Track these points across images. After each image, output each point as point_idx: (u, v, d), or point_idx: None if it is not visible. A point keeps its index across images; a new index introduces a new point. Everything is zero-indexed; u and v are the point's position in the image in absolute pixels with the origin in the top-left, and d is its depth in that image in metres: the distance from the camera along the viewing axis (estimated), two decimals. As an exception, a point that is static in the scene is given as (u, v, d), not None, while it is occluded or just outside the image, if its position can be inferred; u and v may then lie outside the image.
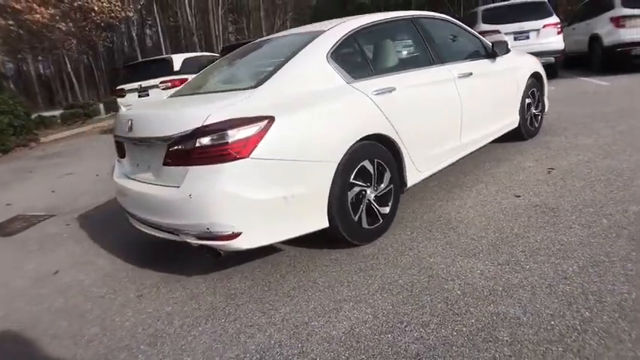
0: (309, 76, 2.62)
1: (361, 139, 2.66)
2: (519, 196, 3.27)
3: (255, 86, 2.49)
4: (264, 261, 2.85)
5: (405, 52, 3.43)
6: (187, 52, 17.36)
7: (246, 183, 2.24)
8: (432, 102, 3.20)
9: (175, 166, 2.35)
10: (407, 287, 2.32)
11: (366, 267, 2.58)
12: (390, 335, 1.97)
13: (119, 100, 9.74)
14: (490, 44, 4.00)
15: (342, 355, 1.89)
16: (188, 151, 2.26)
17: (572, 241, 2.52)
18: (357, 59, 2.94)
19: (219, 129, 2.21)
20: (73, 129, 14.44)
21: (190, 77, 10.31)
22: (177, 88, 3.43)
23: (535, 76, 4.57)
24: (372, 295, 2.30)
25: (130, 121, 2.63)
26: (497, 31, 9.07)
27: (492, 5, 10.36)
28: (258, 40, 3.63)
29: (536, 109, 4.67)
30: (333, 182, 2.52)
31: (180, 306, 2.48)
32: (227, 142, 2.20)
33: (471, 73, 3.56)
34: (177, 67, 9.45)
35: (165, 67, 9.35)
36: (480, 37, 4.11)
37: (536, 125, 4.73)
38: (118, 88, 9.98)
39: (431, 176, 3.43)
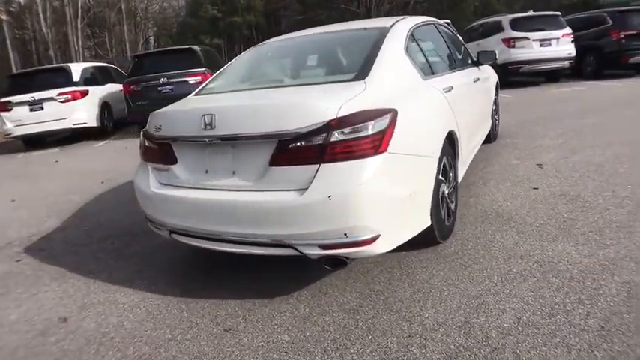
0: (399, 70, 2.53)
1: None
2: (537, 189, 3.61)
3: (358, 78, 2.30)
4: (349, 273, 2.60)
5: (441, 54, 3.54)
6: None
7: (385, 180, 2.04)
8: (469, 102, 3.38)
9: (292, 166, 2.01)
10: (526, 274, 2.35)
11: (467, 262, 2.55)
12: (559, 317, 1.97)
13: (3, 114, 7.93)
14: (473, 54, 4.38)
15: (532, 342, 1.82)
16: (320, 146, 1.96)
17: (621, 220, 2.87)
18: (419, 57, 2.94)
19: (357, 121, 1.97)
20: None
21: (93, 88, 9.16)
22: (209, 83, 2.93)
23: (496, 85, 5.15)
24: (503, 285, 2.28)
25: (209, 117, 2.15)
26: (527, 38, 10.28)
27: (519, 15, 11.41)
28: (299, 34, 3.34)
29: (495, 114, 5.25)
30: (435, 178, 2.45)
31: (296, 331, 2.09)
32: (367, 135, 1.98)
33: (478, 79, 3.85)
34: (76, 77, 8.16)
35: (63, 78, 8.03)
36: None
37: (497, 130, 5.30)
38: (2, 100, 8.13)
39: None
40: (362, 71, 2.35)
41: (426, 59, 3.02)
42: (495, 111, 5.19)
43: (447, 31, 3.84)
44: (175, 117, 2.43)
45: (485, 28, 11.61)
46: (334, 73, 2.58)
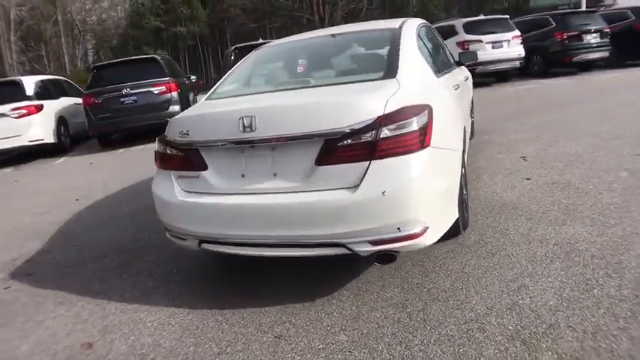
0: (419, 69, 2.60)
1: (459, 130, 2.76)
2: (529, 179, 3.83)
3: (388, 77, 2.35)
4: (378, 268, 2.62)
5: (439, 54, 3.66)
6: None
7: (431, 173, 2.09)
8: (465, 99, 3.54)
9: (341, 164, 2.01)
10: (551, 255, 2.50)
11: (492, 250, 2.66)
12: (595, 291, 2.11)
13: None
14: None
15: (581, 316, 1.93)
16: (369, 143, 1.98)
17: (616, 202, 3.12)
18: (427, 56, 3.04)
19: (403, 117, 2.01)
20: None
21: (48, 102, 8.54)
22: (220, 87, 2.84)
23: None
24: (534, 268, 2.40)
25: (249, 119, 2.09)
26: (480, 41, 10.77)
27: (472, 19, 11.97)
28: (304, 37, 3.30)
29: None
30: (460, 171, 2.55)
31: (351, 330, 2.07)
32: (414, 131, 2.03)
33: (467, 77, 4.04)
34: (29, 91, 7.64)
35: (15, 92, 7.47)
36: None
37: (474, 126, 5.56)
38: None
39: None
40: (389, 70, 2.40)
41: (432, 59, 3.13)
42: (472, 109, 5.45)
43: (436, 32, 4.00)
44: (206, 121, 2.35)
45: (440, 32, 12.17)
46: (359, 72, 2.61)
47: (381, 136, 1.97)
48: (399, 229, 2.01)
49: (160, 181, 2.50)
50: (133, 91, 8.22)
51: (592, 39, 11.16)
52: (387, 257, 2.12)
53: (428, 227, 2.09)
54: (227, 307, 2.43)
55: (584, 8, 16.34)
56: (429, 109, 2.16)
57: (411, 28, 2.94)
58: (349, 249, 2.06)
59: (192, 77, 12.32)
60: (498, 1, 42.33)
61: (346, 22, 20.18)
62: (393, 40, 2.71)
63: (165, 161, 2.46)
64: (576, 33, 11.06)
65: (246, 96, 2.63)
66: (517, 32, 11.21)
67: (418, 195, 2.02)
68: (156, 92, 8.37)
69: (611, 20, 11.70)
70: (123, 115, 8.19)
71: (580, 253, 2.49)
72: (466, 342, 1.89)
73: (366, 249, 2.05)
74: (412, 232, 2.04)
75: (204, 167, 2.28)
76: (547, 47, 11.53)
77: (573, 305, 2.04)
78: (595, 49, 11.17)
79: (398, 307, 2.20)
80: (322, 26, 17.68)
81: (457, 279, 2.39)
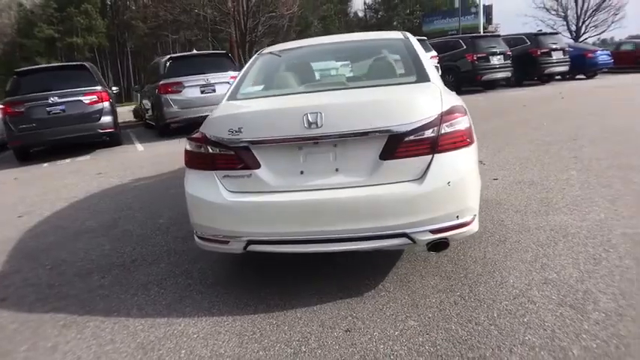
0: (437, 74, 2.82)
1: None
2: (497, 179, 4.29)
3: (422, 80, 2.54)
4: (411, 265, 2.77)
5: None
6: None
7: (476, 165, 2.31)
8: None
9: (406, 158, 2.13)
10: (553, 239, 2.86)
11: (500, 239, 2.95)
12: (605, 262, 2.49)
13: None
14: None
15: (605, 282, 2.27)
16: (432, 138, 2.13)
17: (580, 194, 3.66)
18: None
19: (455, 115, 2.21)
20: None
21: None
22: (241, 88, 2.76)
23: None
24: (544, 250, 2.73)
25: (314, 115, 2.10)
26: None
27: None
28: (311, 42, 3.32)
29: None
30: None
31: (417, 316, 2.17)
32: (467, 127, 2.25)
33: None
34: None
35: None
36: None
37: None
38: None
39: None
40: (420, 74, 2.60)
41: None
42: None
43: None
44: (263, 117, 2.29)
45: None
46: (390, 76, 2.75)
47: (442, 132, 2.14)
48: (457, 217, 2.18)
49: (198, 182, 2.37)
50: (61, 100, 7.41)
51: (497, 60, 12.75)
52: (441, 245, 2.26)
53: (475, 215, 2.29)
54: (273, 310, 2.37)
55: (481, 32, 18.51)
56: (464, 108, 2.39)
57: (413, 39, 3.19)
58: (411, 239, 2.16)
59: (115, 88, 11.52)
60: (394, 26, 46.19)
61: (267, 39, 20.39)
62: (409, 47, 2.93)
63: (205, 161, 2.34)
64: (484, 55, 12.54)
65: (288, 95, 2.62)
66: (434, 53, 12.24)
67: (473, 185, 2.23)
68: (87, 102, 7.67)
69: (510, 44, 13.49)
70: (49, 126, 7.33)
71: (575, 235, 2.89)
72: (525, 313, 2.11)
73: (427, 238, 2.18)
74: (466, 219, 2.22)
75: (257, 165, 2.24)
76: (459, 67, 12.84)
77: (593, 275, 2.38)
78: (500, 69, 12.77)
79: (448, 292, 2.36)
80: (243, 40, 17.62)
81: (485, 264, 2.63)
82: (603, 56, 15.61)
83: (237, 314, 2.37)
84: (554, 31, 21.77)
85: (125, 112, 15.15)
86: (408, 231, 2.15)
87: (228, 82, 9.60)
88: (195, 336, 2.21)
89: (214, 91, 9.34)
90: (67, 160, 7.84)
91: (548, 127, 6.79)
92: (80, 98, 7.60)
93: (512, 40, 13.97)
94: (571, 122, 7.06)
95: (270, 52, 3.28)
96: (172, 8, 18.35)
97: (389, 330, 2.09)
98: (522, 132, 6.41)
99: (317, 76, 3.04)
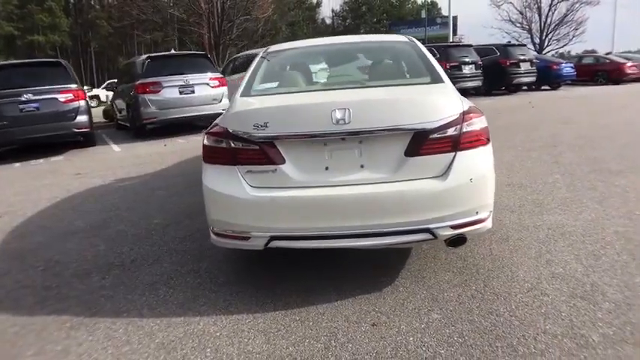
0: (446, 75, 2.92)
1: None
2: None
3: (436, 81, 2.61)
4: (424, 260, 2.83)
5: None
6: None
7: (493, 164, 2.39)
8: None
9: (430, 155, 2.19)
10: (552, 237, 3.00)
11: (503, 237, 3.07)
12: (604, 258, 2.64)
13: None
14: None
15: (610, 275, 2.41)
16: (455, 136, 2.20)
17: (568, 196, 3.85)
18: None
19: (474, 115, 2.29)
20: None
21: None
22: (254, 85, 2.74)
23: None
24: (546, 246, 2.86)
25: (342, 112, 2.13)
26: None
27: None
28: (318, 42, 3.33)
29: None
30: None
31: (439, 309, 2.22)
32: (486, 126, 2.33)
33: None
34: None
35: None
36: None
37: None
38: None
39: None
40: (434, 76, 2.67)
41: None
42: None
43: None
44: (290, 113, 2.29)
45: (248, 61, 11.92)
46: (403, 76, 2.81)
47: (464, 130, 2.22)
48: (477, 212, 2.26)
49: (219, 177, 2.34)
50: (35, 98, 7.06)
51: (469, 70, 13.20)
52: (460, 241, 2.34)
53: (491, 212, 2.38)
54: (293, 306, 2.37)
55: (451, 42, 19.11)
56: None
57: (418, 42, 3.28)
58: (433, 234, 2.22)
59: (86, 87, 11.13)
60: (361, 34, 46.96)
61: (242, 41, 20.24)
62: (417, 50, 3.01)
63: (227, 156, 2.31)
64: (457, 63, 12.97)
65: (312, 92, 2.62)
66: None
67: (491, 182, 2.32)
68: (62, 100, 7.35)
69: (481, 54, 14.00)
70: (22, 125, 6.96)
71: (572, 233, 3.05)
72: (541, 304, 2.20)
73: (448, 233, 2.24)
74: (483, 216, 2.31)
75: (282, 161, 2.24)
76: None
77: (596, 269, 2.52)
78: (471, 78, 13.22)
79: (463, 287, 2.43)
80: (217, 42, 17.41)
81: (494, 260, 2.73)
82: (567, 68, 16.50)
83: (256, 312, 2.35)
84: (521, 43, 22.80)
85: (94, 113, 14.63)
86: (431, 226, 2.20)
87: (208, 84, 9.48)
88: (217, 334, 2.18)
89: (193, 92, 9.20)
90: (41, 161, 7.48)
91: (525, 134, 7.09)
92: (55, 96, 7.28)
93: (483, 51, 14.52)
94: (546, 130, 7.42)
95: (278, 50, 3.29)
96: (146, 7, 17.92)
97: (414, 323, 2.13)
98: (503, 138, 6.65)
99: (331, 74, 3.06)
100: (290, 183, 2.24)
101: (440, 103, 2.31)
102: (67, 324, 2.41)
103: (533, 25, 31.73)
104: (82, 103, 7.62)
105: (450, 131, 2.21)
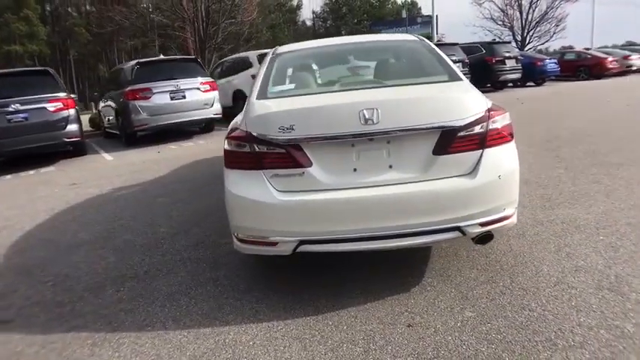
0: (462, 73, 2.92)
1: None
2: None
3: (454, 79, 2.62)
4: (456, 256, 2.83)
5: None
6: None
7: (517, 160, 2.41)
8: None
9: (458, 153, 2.19)
10: (568, 230, 3.04)
11: (518, 232, 3.09)
12: (622, 250, 2.68)
13: None
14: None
15: (631, 267, 2.45)
16: (481, 134, 2.21)
17: (575, 189, 3.91)
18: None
19: (498, 112, 2.30)
20: None
21: None
22: (271, 87, 2.70)
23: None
24: (564, 240, 2.90)
25: (371, 112, 2.11)
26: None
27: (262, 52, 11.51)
28: (329, 42, 3.31)
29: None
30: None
31: (471, 307, 2.22)
32: (509, 123, 2.35)
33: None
34: None
35: None
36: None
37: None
38: None
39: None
40: (451, 74, 2.68)
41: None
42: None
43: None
44: (316, 114, 2.25)
45: (234, 65, 11.82)
46: (422, 75, 2.80)
47: (490, 127, 2.23)
48: (504, 209, 2.27)
49: (244, 183, 2.29)
50: (23, 108, 6.84)
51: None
52: (487, 238, 2.34)
53: (516, 207, 2.40)
54: (324, 311, 2.33)
55: (437, 41, 19.29)
56: None
57: (428, 41, 3.29)
58: (463, 232, 2.22)
59: (73, 95, 10.92)
60: (343, 35, 47.06)
61: (228, 45, 20.05)
62: (429, 49, 3.01)
63: (252, 160, 2.26)
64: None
65: (336, 92, 2.60)
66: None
67: (517, 179, 2.33)
68: (51, 109, 7.17)
69: (466, 52, 14.15)
70: (10, 136, 6.74)
71: (585, 226, 3.09)
72: (571, 297, 2.22)
73: (477, 230, 2.24)
74: (510, 212, 2.32)
75: (309, 164, 2.21)
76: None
77: (616, 261, 2.55)
78: (459, 77, 13.32)
79: (491, 284, 2.44)
80: (202, 47, 17.23)
81: (515, 256, 2.74)
82: (551, 64, 16.82)
83: (286, 318, 2.31)
84: (503, 40, 23.14)
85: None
86: (461, 224, 2.20)
87: (199, 88, 9.38)
88: (251, 343, 2.13)
89: (184, 97, 9.09)
90: (31, 172, 7.27)
91: (520, 130, 7.16)
92: (44, 105, 7.09)
93: (468, 48, 14.69)
94: (540, 125, 7.53)
95: (287, 52, 3.25)
96: (129, 13, 17.61)
97: (449, 322, 2.13)
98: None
99: (347, 74, 3.04)
100: (318, 186, 2.21)
101: (466, 100, 2.31)
102: (88, 341, 2.33)
103: (514, 22, 32.29)
104: (72, 111, 7.45)
105: (477, 129, 2.21)
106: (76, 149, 8.04)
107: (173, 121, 9.05)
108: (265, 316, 2.35)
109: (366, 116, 2.13)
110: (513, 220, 2.37)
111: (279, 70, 2.99)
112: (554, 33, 31.22)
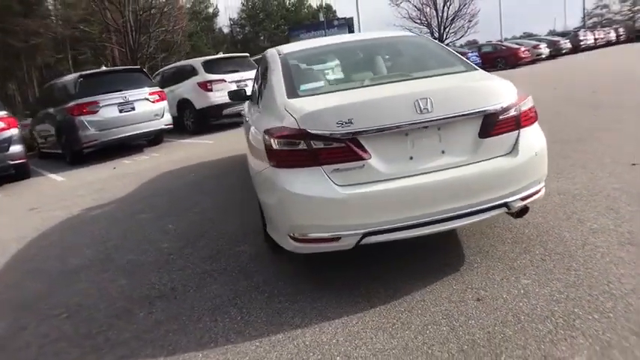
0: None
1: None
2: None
3: (470, 70, 2.81)
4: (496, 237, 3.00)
5: None
6: None
7: None
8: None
9: (499, 135, 2.36)
10: (567, 201, 3.36)
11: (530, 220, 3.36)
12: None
13: None
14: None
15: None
16: (516, 116, 2.40)
17: (553, 165, 4.30)
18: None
19: (523, 96, 2.52)
20: None
21: None
22: (299, 87, 2.67)
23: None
24: (580, 225, 3.20)
25: (424, 101, 2.21)
26: (223, 80, 10.16)
27: (211, 57, 11.32)
28: (338, 40, 3.31)
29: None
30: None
31: (526, 280, 2.38)
32: (533, 105, 2.57)
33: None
34: None
35: None
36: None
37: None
38: None
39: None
40: (466, 65, 2.87)
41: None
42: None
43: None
44: (373, 107, 2.28)
45: (178, 73, 11.53)
46: (440, 67, 2.92)
47: (522, 109, 2.44)
48: (539, 182, 2.49)
49: (303, 180, 2.25)
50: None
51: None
52: (524, 210, 2.52)
53: (545, 181, 2.63)
54: (388, 300, 2.37)
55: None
56: None
57: (424, 36, 3.47)
58: (509, 207, 2.39)
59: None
60: (261, 41, 46.69)
61: (161, 54, 19.16)
62: (433, 43, 3.20)
63: (309, 157, 2.24)
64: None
65: (383, 85, 2.64)
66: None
67: (546, 154, 2.56)
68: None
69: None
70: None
71: (580, 195, 3.42)
72: (603, 255, 2.49)
73: (519, 205, 2.42)
74: (542, 185, 2.55)
75: (369, 155, 2.25)
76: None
77: (623, 220, 2.89)
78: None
79: (529, 253, 2.63)
80: (133, 57, 16.33)
81: (535, 227, 2.96)
82: (473, 57, 18.19)
83: (356, 312, 2.31)
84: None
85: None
86: (508, 200, 2.37)
87: (148, 99, 8.94)
88: (334, 341, 2.11)
89: (133, 109, 8.61)
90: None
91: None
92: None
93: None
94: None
95: (295, 51, 3.25)
96: (38, 27, 16.12)
97: (513, 291, 2.28)
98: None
99: (370, 70, 3.10)
100: (378, 176, 2.26)
101: (500, 87, 2.50)
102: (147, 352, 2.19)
103: (432, 20, 34.28)
104: (15, 131, 6.77)
105: (512, 111, 2.40)
106: (19, 172, 7.30)
107: (123, 135, 8.53)
108: (333, 314, 2.34)
109: (421, 105, 2.23)
110: (543, 193, 2.60)
111: (298, 70, 2.98)
112: (468, 28, 33.63)
